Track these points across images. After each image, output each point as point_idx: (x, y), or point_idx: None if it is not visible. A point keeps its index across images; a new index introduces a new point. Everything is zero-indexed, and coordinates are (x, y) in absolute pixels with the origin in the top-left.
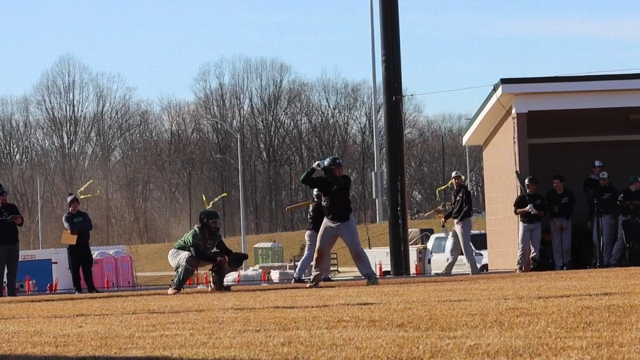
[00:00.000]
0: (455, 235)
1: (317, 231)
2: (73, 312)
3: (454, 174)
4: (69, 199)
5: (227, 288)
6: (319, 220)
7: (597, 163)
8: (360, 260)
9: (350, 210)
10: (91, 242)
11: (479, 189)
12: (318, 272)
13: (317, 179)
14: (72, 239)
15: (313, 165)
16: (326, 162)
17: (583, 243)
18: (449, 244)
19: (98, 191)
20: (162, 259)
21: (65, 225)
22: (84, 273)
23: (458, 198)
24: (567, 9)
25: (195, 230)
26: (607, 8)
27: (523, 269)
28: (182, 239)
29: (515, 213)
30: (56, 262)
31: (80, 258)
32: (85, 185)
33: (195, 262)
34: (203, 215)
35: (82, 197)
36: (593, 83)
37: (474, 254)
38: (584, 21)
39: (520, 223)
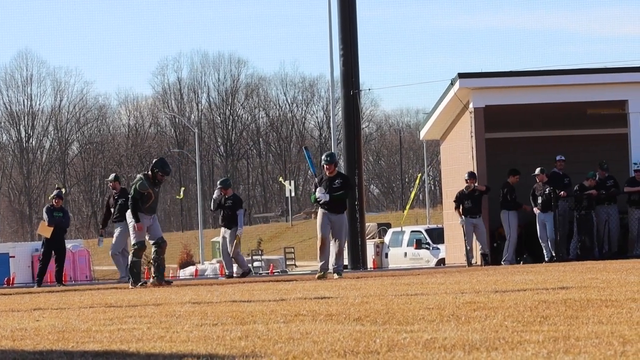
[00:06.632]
0: (224, 238)
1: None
2: (30, 306)
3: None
4: (55, 192)
5: (168, 282)
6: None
7: (558, 157)
8: (340, 255)
9: (345, 207)
10: None
11: (437, 183)
12: (323, 262)
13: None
14: (47, 232)
15: (319, 200)
16: (323, 160)
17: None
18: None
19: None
20: None
21: (45, 216)
22: (56, 267)
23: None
24: (526, 3)
25: (141, 178)
26: (566, 2)
27: (473, 262)
28: (131, 188)
29: (455, 209)
30: (14, 256)
31: (53, 252)
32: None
33: (141, 253)
34: (154, 166)
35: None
36: (550, 78)
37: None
38: (542, 15)
39: (463, 217)
